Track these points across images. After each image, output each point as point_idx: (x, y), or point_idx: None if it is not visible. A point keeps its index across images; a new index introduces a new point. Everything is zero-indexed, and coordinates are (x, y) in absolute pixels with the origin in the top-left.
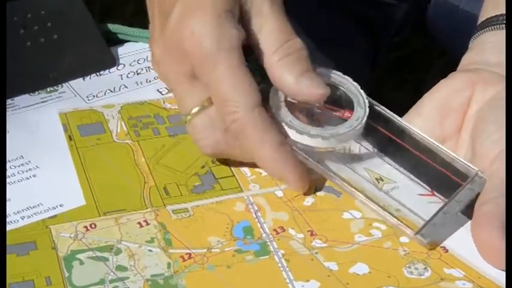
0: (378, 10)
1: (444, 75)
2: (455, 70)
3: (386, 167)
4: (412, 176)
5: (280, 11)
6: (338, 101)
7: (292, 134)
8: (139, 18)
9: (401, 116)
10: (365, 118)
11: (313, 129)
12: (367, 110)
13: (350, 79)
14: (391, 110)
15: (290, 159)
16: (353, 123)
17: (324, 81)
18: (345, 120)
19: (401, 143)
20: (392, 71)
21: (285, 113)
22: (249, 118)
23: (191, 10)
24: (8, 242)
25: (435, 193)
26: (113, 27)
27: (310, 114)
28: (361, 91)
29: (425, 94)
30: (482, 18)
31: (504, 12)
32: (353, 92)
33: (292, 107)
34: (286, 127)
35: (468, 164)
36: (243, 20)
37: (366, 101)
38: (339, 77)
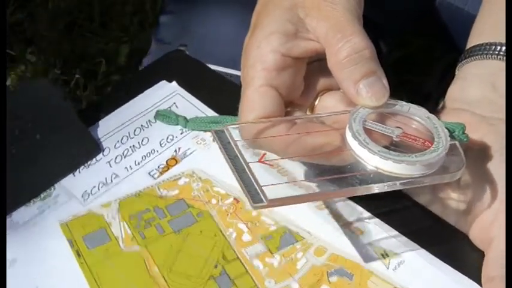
0: (380, 12)
1: (445, 76)
2: None
3: (391, 240)
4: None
5: (338, 8)
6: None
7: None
8: (140, 18)
9: None
10: (448, 145)
11: (400, 155)
12: (448, 138)
13: (425, 110)
14: None
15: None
16: (439, 150)
17: (384, 84)
18: (424, 149)
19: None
20: (393, 72)
21: (364, 137)
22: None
23: (253, 28)
24: None
25: None
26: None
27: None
28: (438, 120)
29: None
30: (468, 45)
31: (488, 41)
32: (431, 121)
33: (369, 133)
34: (367, 151)
35: None
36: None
37: (446, 130)
38: (413, 109)
